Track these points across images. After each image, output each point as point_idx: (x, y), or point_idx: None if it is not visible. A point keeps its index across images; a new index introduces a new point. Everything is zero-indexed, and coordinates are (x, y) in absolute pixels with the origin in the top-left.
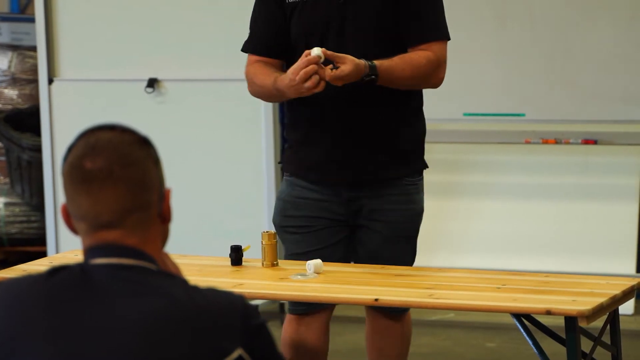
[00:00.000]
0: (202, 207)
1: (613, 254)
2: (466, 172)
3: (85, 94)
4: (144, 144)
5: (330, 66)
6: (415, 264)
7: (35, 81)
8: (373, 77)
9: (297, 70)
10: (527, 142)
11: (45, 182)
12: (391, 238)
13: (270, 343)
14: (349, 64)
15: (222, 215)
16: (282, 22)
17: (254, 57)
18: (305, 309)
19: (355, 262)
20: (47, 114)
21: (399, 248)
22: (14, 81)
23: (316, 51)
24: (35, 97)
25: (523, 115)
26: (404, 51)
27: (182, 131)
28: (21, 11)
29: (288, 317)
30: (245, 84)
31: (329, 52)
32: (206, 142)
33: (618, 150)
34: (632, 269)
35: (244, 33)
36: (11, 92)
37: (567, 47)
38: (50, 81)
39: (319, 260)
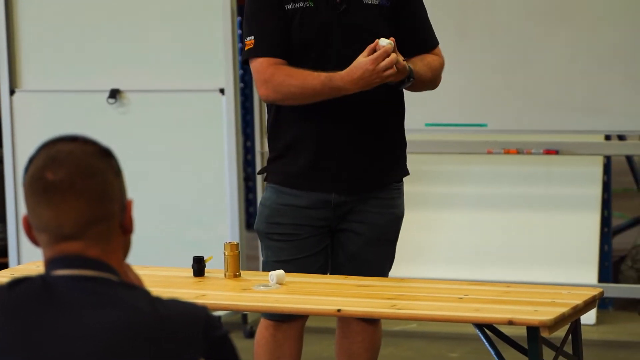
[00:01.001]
0: (164, 218)
1: (575, 264)
2: (428, 183)
3: (47, 105)
4: (105, 155)
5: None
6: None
7: None
8: (412, 79)
9: (378, 59)
10: (489, 153)
11: (7, 193)
12: (373, 241)
13: (232, 354)
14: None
15: (184, 226)
16: (286, 26)
17: (270, 60)
18: (281, 316)
19: (332, 267)
20: (8, 125)
21: (380, 251)
22: None
23: (386, 42)
24: None
25: (485, 125)
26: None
27: (144, 142)
28: None
29: (264, 322)
30: (208, 96)
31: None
32: (168, 153)
33: (579, 161)
34: (594, 279)
35: (205, 44)
36: None
37: (528, 58)
38: (12, 92)
39: (281, 271)
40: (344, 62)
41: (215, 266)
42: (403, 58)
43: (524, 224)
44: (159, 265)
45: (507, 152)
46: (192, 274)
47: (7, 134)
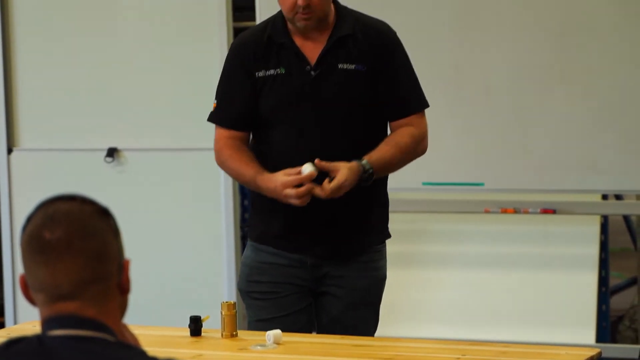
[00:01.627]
0: (162, 278)
1: (573, 324)
2: (425, 242)
3: (44, 164)
4: (103, 215)
5: (327, 179)
6: (375, 333)
7: None
8: (370, 171)
9: (288, 184)
10: (487, 212)
11: (4, 252)
12: (354, 305)
13: None
14: (342, 170)
15: (181, 285)
16: (252, 95)
17: (224, 131)
18: None
19: (318, 329)
20: (6, 184)
21: (361, 315)
22: None
23: (309, 168)
24: None
25: (482, 184)
26: (380, 121)
27: (142, 200)
28: None
29: None
30: (205, 154)
31: (323, 164)
32: (166, 212)
33: (577, 220)
34: (591, 339)
35: (203, 103)
36: None
37: (524, 117)
38: (10, 151)
39: (278, 331)
40: (317, 130)
41: (212, 326)
42: (357, 161)
43: (521, 283)
44: (155, 325)
45: (505, 211)
46: (189, 333)
47: (5, 192)
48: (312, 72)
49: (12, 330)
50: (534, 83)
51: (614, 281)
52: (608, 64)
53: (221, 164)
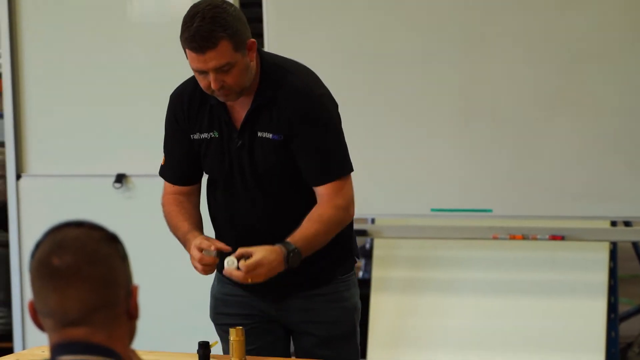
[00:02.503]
0: (170, 303)
1: (582, 350)
2: (433, 268)
3: (53, 190)
4: (111, 241)
5: (243, 259)
6: (382, 359)
7: (2, 177)
8: (296, 250)
9: (195, 257)
10: (495, 238)
11: (12, 277)
12: (327, 339)
13: None
14: (259, 251)
15: (190, 311)
16: (192, 152)
17: (170, 186)
18: None
19: None
20: (14, 210)
21: (337, 347)
22: None
23: (228, 265)
24: (2, 193)
25: (490, 210)
26: (308, 185)
27: (150, 227)
28: None
29: None
30: None
31: (242, 250)
32: (173, 238)
33: (586, 246)
34: None
35: None
36: None
37: (533, 144)
38: (18, 177)
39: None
40: (247, 190)
41: (220, 351)
42: (280, 244)
43: (529, 310)
44: (164, 351)
45: (513, 238)
46: (197, 359)
47: (14, 218)
48: (238, 141)
49: (21, 356)
50: (542, 109)
51: (623, 308)
52: (617, 90)
53: (165, 217)
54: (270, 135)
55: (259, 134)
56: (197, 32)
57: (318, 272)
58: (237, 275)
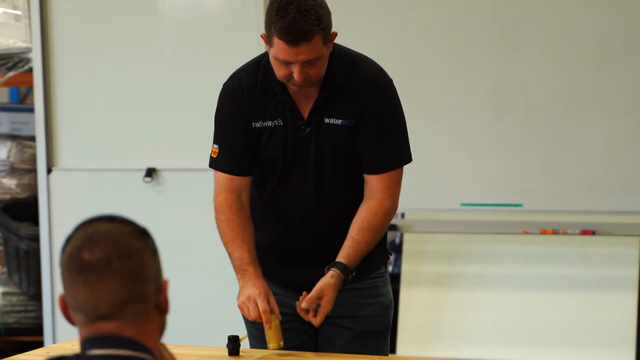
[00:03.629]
0: (200, 297)
1: (612, 346)
2: (464, 263)
3: (83, 184)
4: (142, 235)
5: (312, 312)
6: (413, 354)
7: (33, 171)
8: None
9: (262, 309)
10: (525, 233)
11: (43, 271)
12: (363, 334)
13: None
14: (326, 294)
15: (220, 305)
16: (251, 143)
17: (225, 176)
18: None
19: None
20: (45, 204)
21: (371, 343)
22: (12, 171)
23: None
24: (33, 187)
25: (521, 205)
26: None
27: (180, 221)
28: (20, 101)
29: None
30: None
31: (309, 300)
32: (203, 232)
33: (616, 241)
34: None
35: None
36: (10, 182)
37: (563, 138)
38: (49, 171)
39: None
40: (303, 182)
41: (249, 346)
42: (334, 269)
43: (559, 305)
44: (193, 345)
45: (543, 233)
46: (227, 353)
47: (44, 212)
48: (305, 128)
49: (51, 349)
50: (573, 104)
51: None
52: None
53: (217, 220)
54: (340, 121)
55: (327, 120)
56: (294, 25)
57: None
58: (312, 321)
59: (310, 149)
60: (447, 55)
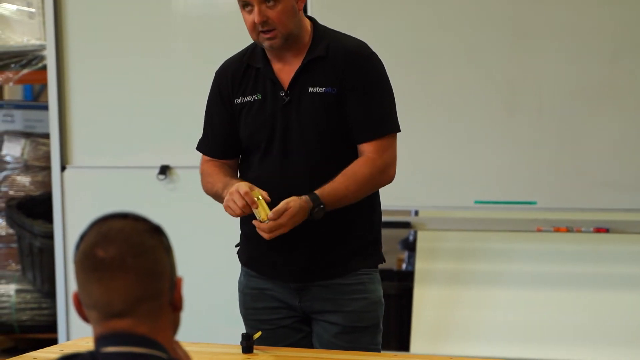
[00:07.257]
0: (214, 295)
1: (625, 344)
2: (477, 260)
3: (97, 181)
4: (155, 233)
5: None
6: (426, 352)
7: (47, 168)
8: (321, 206)
9: (242, 192)
10: (539, 230)
11: (57, 269)
12: (348, 328)
13: None
14: (291, 206)
15: (234, 302)
16: (233, 123)
17: (205, 159)
18: None
19: None
20: (59, 201)
21: (356, 339)
22: (26, 168)
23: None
24: (47, 184)
25: (534, 203)
26: (351, 146)
27: (194, 218)
28: (34, 99)
29: None
30: None
31: (275, 210)
32: (217, 229)
33: (630, 239)
34: None
35: None
36: (24, 179)
37: (577, 136)
38: (63, 168)
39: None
40: (292, 155)
41: (263, 342)
42: (307, 195)
43: (573, 303)
44: (207, 342)
45: (557, 230)
46: (240, 350)
47: (58, 209)
48: (285, 98)
49: (65, 347)
50: (586, 102)
51: None
52: None
53: (202, 185)
54: (323, 89)
55: (310, 89)
56: None
57: (342, 259)
58: (263, 227)
59: (291, 120)
60: (460, 53)
